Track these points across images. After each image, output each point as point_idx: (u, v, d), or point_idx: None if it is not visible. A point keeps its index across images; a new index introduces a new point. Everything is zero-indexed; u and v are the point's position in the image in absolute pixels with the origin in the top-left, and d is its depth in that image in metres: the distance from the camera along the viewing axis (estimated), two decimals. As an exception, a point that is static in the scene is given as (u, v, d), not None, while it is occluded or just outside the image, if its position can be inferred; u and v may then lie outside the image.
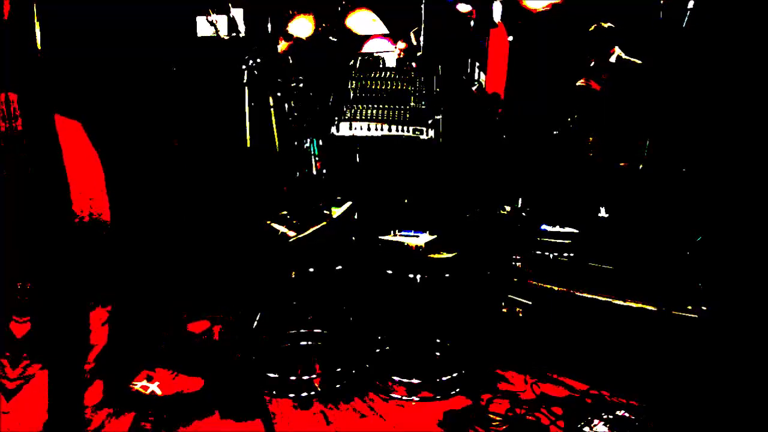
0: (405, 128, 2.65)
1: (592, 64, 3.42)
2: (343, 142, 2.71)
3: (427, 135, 2.62)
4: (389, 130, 2.65)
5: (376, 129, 2.66)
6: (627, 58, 3.31)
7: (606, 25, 3.32)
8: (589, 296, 2.48)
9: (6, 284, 2.19)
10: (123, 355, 2.23)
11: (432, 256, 2.43)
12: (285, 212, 2.51)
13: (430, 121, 2.62)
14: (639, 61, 3.25)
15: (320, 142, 2.91)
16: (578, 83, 3.47)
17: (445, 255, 2.46)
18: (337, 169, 2.93)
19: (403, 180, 2.82)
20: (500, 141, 3.12)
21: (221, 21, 2.92)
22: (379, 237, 2.55)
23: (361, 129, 2.67)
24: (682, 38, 2.23)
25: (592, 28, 3.37)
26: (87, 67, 2.06)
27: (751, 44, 2.07)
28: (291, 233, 2.29)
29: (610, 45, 3.31)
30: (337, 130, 2.68)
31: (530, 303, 2.71)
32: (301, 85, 2.77)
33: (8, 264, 2.18)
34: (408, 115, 2.67)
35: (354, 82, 2.76)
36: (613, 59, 3.30)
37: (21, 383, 2.10)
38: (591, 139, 3.27)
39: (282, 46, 3.45)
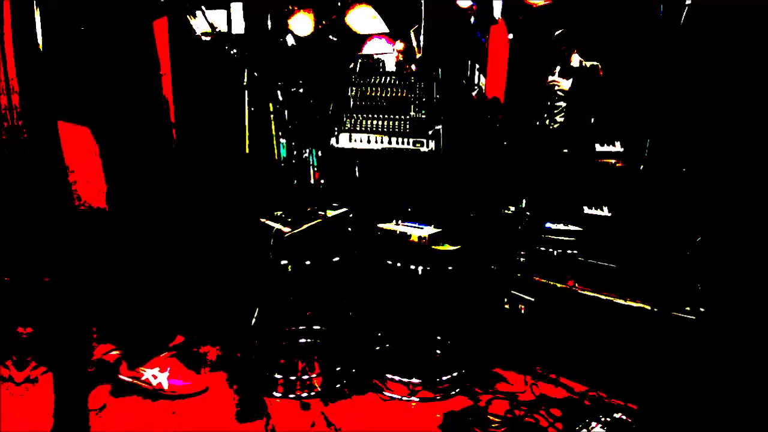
0: (405, 140, 2.65)
1: (558, 68, 3.71)
2: (343, 154, 2.71)
3: (427, 147, 2.61)
4: (389, 142, 2.65)
5: (376, 141, 2.66)
6: (585, 62, 3.60)
7: (567, 32, 3.58)
8: (591, 294, 2.48)
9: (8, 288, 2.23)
10: (128, 355, 2.27)
11: (435, 248, 2.44)
12: (281, 212, 2.52)
13: (430, 132, 2.61)
14: (597, 64, 3.51)
15: (319, 153, 2.91)
16: (548, 82, 3.66)
17: (448, 247, 2.46)
18: (335, 181, 2.92)
19: (403, 191, 2.82)
20: (501, 147, 3.12)
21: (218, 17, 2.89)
22: (380, 226, 2.54)
23: (361, 141, 2.67)
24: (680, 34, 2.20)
25: (557, 34, 3.61)
26: (90, 69, 2.07)
27: (750, 41, 2.04)
28: (286, 229, 2.30)
29: (570, 51, 3.50)
30: (337, 142, 2.67)
31: (533, 300, 2.71)
32: (301, 90, 2.76)
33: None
34: (408, 126, 2.66)
35: (354, 88, 2.75)
36: (575, 63, 3.49)
37: (27, 386, 2.15)
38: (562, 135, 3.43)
39: (281, 40, 3.42)
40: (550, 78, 3.65)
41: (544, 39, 3.60)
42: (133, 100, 2.20)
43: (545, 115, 3.66)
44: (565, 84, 3.62)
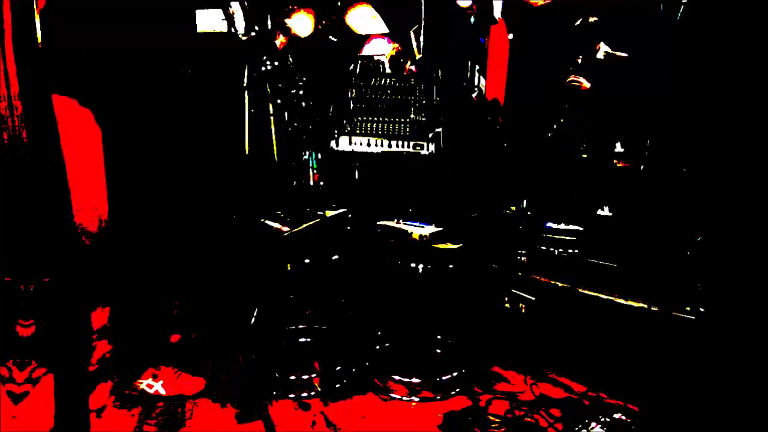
0: (405, 143, 2.65)
1: (579, 60, 3.44)
2: (343, 158, 2.71)
3: (427, 150, 2.61)
4: (389, 145, 2.65)
5: (376, 144, 2.66)
6: (613, 52, 3.31)
7: (591, 20, 3.34)
8: (592, 293, 2.48)
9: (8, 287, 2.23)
10: (127, 355, 2.28)
11: (436, 246, 2.44)
12: (279, 212, 2.52)
13: (430, 135, 2.61)
14: (624, 55, 3.25)
15: (319, 156, 2.91)
16: (567, 81, 3.50)
17: (449, 246, 2.46)
18: (335, 184, 2.93)
19: (404, 192, 2.82)
20: (502, 149, 3.10)
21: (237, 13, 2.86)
22: (381, 223, 2.54)
23: (361, 144, 2.68)
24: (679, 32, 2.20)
25: (578, 23, 3.40)
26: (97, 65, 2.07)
27: (751, 40, 2.04)
28: (285, 229, 2.31)
29: (595, 41, 3.34)
30: (337, 145, 2.68)
31: (533, 299, 2.71)
32: (301, 92, 2.75)
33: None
34: (408, 129, 2.66)
35: (354, 90, 2.75)
36: (600, 55, 3.32)
37: (28, 387, 2.15)
38: (580, 138, 3.31)
39: (281, 40, 3.41)
40: (571, 78, 3.49)
41: (545, 38, 3.56)
42: (141, 94, 2.19)
43: (561, 118, 3.56)
44: (587, 82, 3.46)
